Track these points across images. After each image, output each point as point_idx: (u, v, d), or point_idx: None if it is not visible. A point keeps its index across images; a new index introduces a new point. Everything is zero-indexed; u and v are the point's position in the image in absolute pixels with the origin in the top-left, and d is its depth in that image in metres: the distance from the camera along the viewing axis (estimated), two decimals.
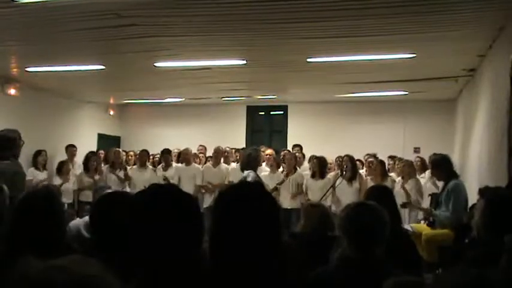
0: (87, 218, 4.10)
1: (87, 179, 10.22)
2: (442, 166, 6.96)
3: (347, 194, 8.37)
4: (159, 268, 1.77)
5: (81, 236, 3.86)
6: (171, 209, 1.83)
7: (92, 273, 1.14)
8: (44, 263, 1.13)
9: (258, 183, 2.28)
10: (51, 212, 3.08)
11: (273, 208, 2.03)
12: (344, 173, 8.75)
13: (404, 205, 7.35)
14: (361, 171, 9.76)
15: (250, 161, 7.94)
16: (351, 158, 9.00)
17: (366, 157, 10.00)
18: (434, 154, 9.88)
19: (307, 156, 10.83)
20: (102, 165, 11.12)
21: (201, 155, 11.48)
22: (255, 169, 7.94)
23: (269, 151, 10.52)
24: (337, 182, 8.63)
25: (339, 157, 10.05)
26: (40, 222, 3.00)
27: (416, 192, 8.58)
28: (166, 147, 10.87)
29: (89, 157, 10.49)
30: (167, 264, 1.76)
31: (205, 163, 10.88)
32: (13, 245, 2.86)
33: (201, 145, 12.05)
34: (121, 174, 10.37)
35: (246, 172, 7.80)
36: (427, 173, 9.92)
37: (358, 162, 10.29)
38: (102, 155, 11.71)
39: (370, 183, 7.98)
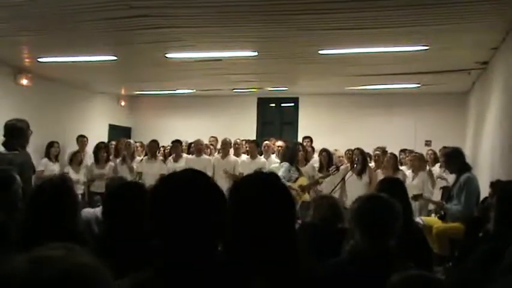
0: (98, 211, 4.14)
1: (97, 169, 10.26)
2: (454, 159, 6.91)
3: (356, 187, 8.32)
4: (180, 256, 1.75)
5: (91, 230, 3.90)
6: (199, 195, 1.80)
7: (81, 262, 1.10)
8: (27, 255, 1.09)
9: (273, 174, 2.26)
10: (65, 201, 3.10)
11: (286, 199, 2.04)
12: (355, 165, 8.71)
13: (415, 197, 7.32)
14: (370, 164, 9.72)
15: (286, 153, 8.45)
16: (361, 151, 8.94)
17: (376, 152, 9.96)
18: (444, 147, 9.87)
19: (317, 149, 10.80)
20: (112, 156, 11.13)
21: (211, 146, 11.48)
22: (291, 162, 8.15)
23: (279, 143, 10.59)
24: (347, 175, 8.60)
25: (348, 150, 10.01)
26: (54, 211, 3.02)
27: (427, 185, 8.55)
28: (177, 138, 10.84)
29: (99, 148, 10.51)
30: (188, 252, 1.75)
31: (216, 154, 10.88)
32: (28, 234, 2.89)
33: (212, 136, 12.05)
34: (132, 165, 10.36)
35: (281, 164, 8.28)
36: (437, 166, 9.90)
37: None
38: (113, 146, 11.70)
39: (380, 177, 7.95)
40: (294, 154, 8.44)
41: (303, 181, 8.20)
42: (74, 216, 3.18)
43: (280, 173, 7.99)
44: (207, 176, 1.91)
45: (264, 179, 2.11)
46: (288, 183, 7.87)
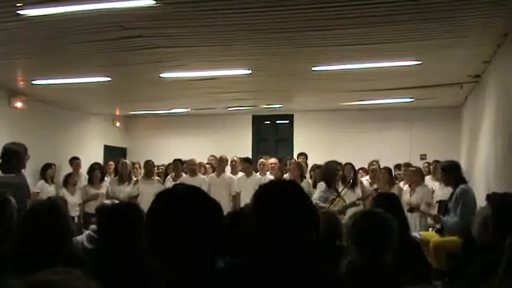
0: (88, 231, 4.16)
1: (92, 190, 10.23)
2: (451, 172, 6.93)
3: (351, 201, 8.29)
4: (181, 269, 1.75)
5: (85, 248, 3.89)
6: (197, 209, 1.81)
7: (76, 285, 1.11)
8: (23, 279, 1.10)
9: (294, 182, 2.33)
10: (55, 224, 3.09)
11: (306, 208, 2.07)
12: (350, 181, 8.70)
13: (411, 210, 7.32)
14: (364, 178, 9.73)
15: (322, 173, 8.20)
16: (352, 166, 9.03)
17: (373, 163, 9.98)
18: (436, 161, 9.92)
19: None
20: (110, 177, 11.11)
21: (210, 165, 11.46)
22: (327, 182, 7.96)
23: (273, 160, 10.60)
24: (343, 190, 8.56)
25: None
26: (44, 234, 3.01)
27: (425, 200, 8.54)
28: (176, 158, 10.80)
29: (93, 169, 10.51)
30: (189, 266, 1.75)
31: (212, 173, 10.86)
32: (20, 257, 2.87)
33: (211, 155, 11.99)
34: (129, 187, 10.33)
35: (318, 184, 8.05)
36: (428, 177, 9.92)
37: (361, 170, 10.29)
38: (111, 167, 11.69)
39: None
40: (331, 174, 8.15)
41: (340, 202, 8.06)
42: (65, 238, 3.16)
43: (315, 195, 7.92)
44: (198, 189, 1.93)
45: (290, 188, 2.16)
46: (323, 204, 7.83)
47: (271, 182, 2.23)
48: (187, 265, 1.75)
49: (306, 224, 2.02)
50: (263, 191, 2.10)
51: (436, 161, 10.12)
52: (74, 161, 11.37)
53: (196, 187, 1.96)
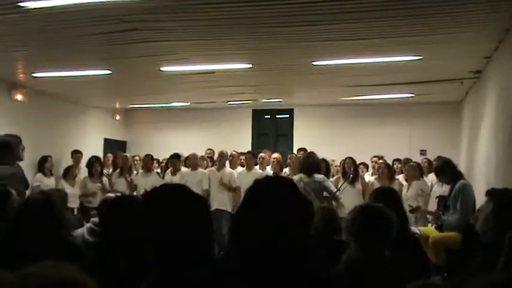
0: (88, 224, 4.16)
1: (91, 184, 10.25)
2: (446, 170, 6.95)
3: (350, 196, 8.33)
4: (175, 267, 1.77)
5: (86, 241, 3.89)
6: (184, 208, 1.83)
7: (65, 275, 1.12)
8: (14, 272, 1.11)
9: (290, 179, 2.38)
10: (49, 217, 3.09)
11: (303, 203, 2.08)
12: (350, 176, 8.72)
13: (413, 210, 7.32)
14: (367, 174, 9.75)
15: (315, 167, 7.96)
16: (353, 160, 9.03)
17: (374, 159, 9.98)
18: (439, 157, 9.91)
19: None
20: (110, 170, 11.14)
21: (209, 158, 11.48)
22: (319, 172, 7.93)
23: (275, 155, 10.63)
24: (343, 185, 8.59)
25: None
26: (39, 228, 3.01)
27: (422, 195, 8.55)
28: (175, 152, 10.83)
29: (92, 162, 10.53)
30: (183, 264, 1.76)
31: (211, 167, 10.87)
32: (14, 252, 2.87)
33: (209, 149, 12.04)
34: (129, 179, 10.40)
35: (317, 176, 7.82)
36: (431, 175, 9.91)
37: (362, 165, 10.29)
38: (110, 159, 11.74)
39: (377, 186, 7.95)
40: (318, 162, 8.12)
41: None
42: (63, 231, 3.16)
43: (332, 188, 7.97)
44: (184, 187, 1.94)
45: (285, 183, 2.19)
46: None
47: (267, 177, 2.26)
48: (181, 261, 1.76)
49: (297, 220, 2.06)
50: (258, 185, 2.13)
51: (440, 157, 10.10)
52: (75, 155, 11.40)
53: (182, 185, 2.00)
